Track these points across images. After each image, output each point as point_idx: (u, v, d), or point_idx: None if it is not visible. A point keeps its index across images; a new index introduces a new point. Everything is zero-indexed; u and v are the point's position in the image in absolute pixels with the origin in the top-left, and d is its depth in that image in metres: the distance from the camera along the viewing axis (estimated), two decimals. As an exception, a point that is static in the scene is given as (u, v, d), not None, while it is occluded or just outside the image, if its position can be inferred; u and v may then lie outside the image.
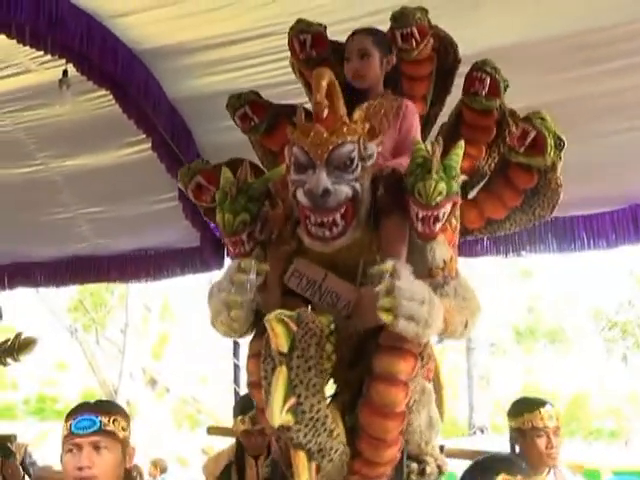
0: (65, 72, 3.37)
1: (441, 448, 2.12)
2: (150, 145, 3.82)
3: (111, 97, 3.58)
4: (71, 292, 10.98)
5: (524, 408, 2.90)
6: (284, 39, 3.19)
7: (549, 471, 2.87)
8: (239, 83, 3.41)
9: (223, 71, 3.47)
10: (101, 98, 3.73)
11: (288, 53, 3.24)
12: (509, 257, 3.70)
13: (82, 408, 1.90)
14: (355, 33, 2.17)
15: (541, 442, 2.83)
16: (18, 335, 3.64)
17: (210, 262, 4.37)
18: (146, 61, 3.46)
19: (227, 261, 4.37)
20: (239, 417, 3.01)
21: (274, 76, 3.33)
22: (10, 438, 3.73)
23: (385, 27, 2.65)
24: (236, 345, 4.46)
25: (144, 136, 3.80)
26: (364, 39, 2.13)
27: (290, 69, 3.28)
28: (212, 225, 4.19)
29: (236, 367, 4.50)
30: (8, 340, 3.63)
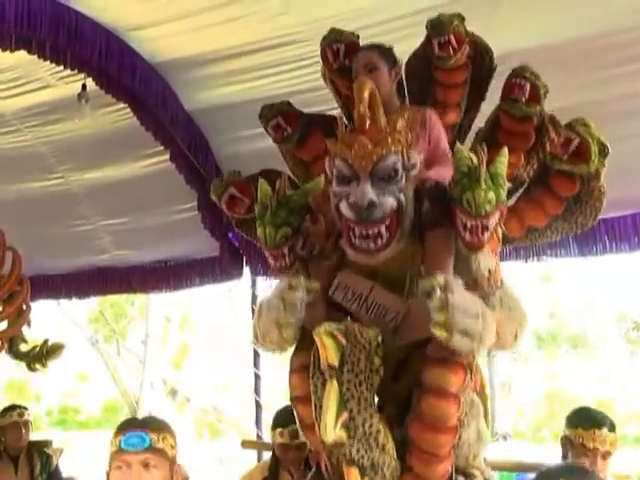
0: (84, 86, 3.41)
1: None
2: (168, 156, 3.85)
3: (129, 110, 3.62)
4: (92, 303, 11.06)
5: (582, 422, 2.73)
6: (298, 49, 3.23)
7: None
8: (255, 93, 3.44)
9: (239, 81, 3.50)
10: (119, 111, 3.78)
11: (304, 62, 3.29)
12: (529, 262, 3.67)
13: (131, 424, 1.88)
14: (359, 50, 2.16)
15: (586, 461, 2.69)
16: (45, 341, 3.70)
17: (229, 271, 4.37)
18: (163, 73, 3.50)
19: (246, 270, 4.38)
20: (278, 429, 2.96)
21: (289, 85, 3.35)
22: (47, 443, 3.79)
23: (401, 33, 2.66)
24: (256, 354, 4.45)
25: (162, 148, 3.83)
26: (369, 53, 2.12)
27: (305, 78, 3.32)
28: (231, 235, 4.21)
29: (257, 376, 4.49)
30: (36, 346, 3.69)
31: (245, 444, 3.80)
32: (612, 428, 2.71)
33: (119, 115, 3.81)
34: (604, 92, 2.92)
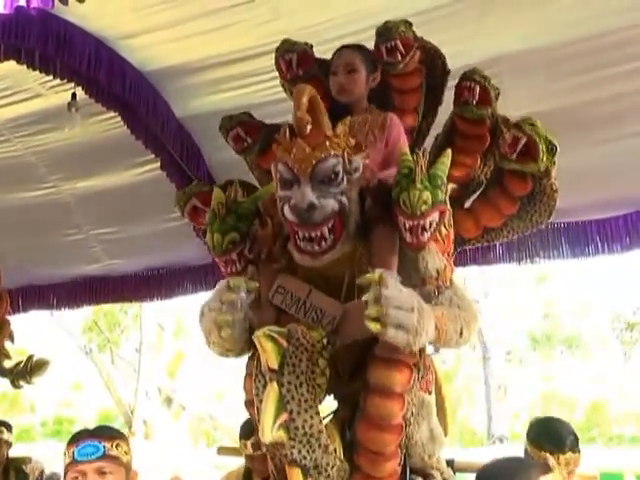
0: (74, 95, 3.40)
1: (450, 463, 2.08)
2: (159, 165, 3.84)
3: (120, 118, 3.61)
4: (85, 312, 11.02)
5: (545, 443, 2.55)
6: (289, 55, 3.23)
7: None
8: (246, 100, 3.43)
9: (230, 89, 3.50)
10: (110, 120, 3.77)
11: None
12: (522, 264, 3.68)
13: (83, 434, 1.90)
14: (342, 48, 2.18)
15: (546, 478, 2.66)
16: (30, 357, 3.64)
17: (222, 278, 4.35)
18: (153, 81, 3.49)
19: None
20: (242, 441, 2.98)
21: (280, 92, 3.32)
22: (25, 460, 3.72)
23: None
24: (251, 361, 4.43)
25: (153, 156, 3.82)
26: (352, 54, 2.15)
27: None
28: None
29: (252, 383, 4.47)
30: (20, 362, 3.63)
31: (221, 451, 3.79)
32: (576, 445, 2.56)
33: (110, 124, 3.80)
34: (592, 94, 2.94)
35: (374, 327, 1.53)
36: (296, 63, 2.25)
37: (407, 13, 2.82)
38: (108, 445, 1.83)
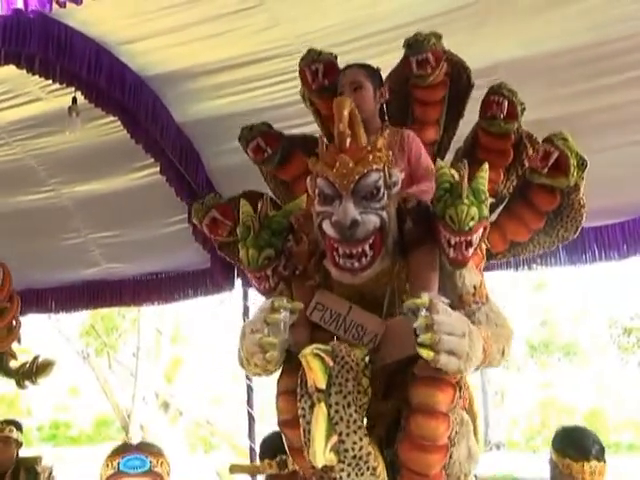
0: (74, 99, 3.42)
1: (475, 477, 2.05)
2: (159, 169, 3.85)
3: (119, 123, 3.62)
4: (83, 317, 11.00)
5: (570, 451, 2.51)
6: (288, 61, 3.25)
7: None
8: (245, 105, 3.45)
9: (229, 94, 3.51)
10: (110, 124, 3.78)
11: (292, 75, 3.30)
12: (520, 271, 3.68)
13: (129, 448, 1.90)
14: (347, 68, 2.16)
15: None
16: (35, 358, 3.66)
17: (221, 283, 4.36)
18: (153, 86, 3.51)
19: (238, 282, 4.37)
20: (266, 460, 2.93)
21: (279, 97, 3.36)
22: (36, 460, 3.74)
23: (385, 47, 2.67)
24: (249, 367, 4.43)
25: (153, 160, 3.83)
26: (356, 72, 2.12)
27: (294, 90, 3.32)
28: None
29: (249, 388, 4.47)
30: (26, 363, 3.65)
31: (234, 469, 3.75)
32: (601, 455, 2.54)
33: (110, 128, 3.81)
34: (589, 103, 2.95)
35: (427, 354, 1.50)
36: (322, 73, 2.21)
37: (405, 21, 2.85)
38: (154, 461, 1.83)
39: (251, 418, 4.40)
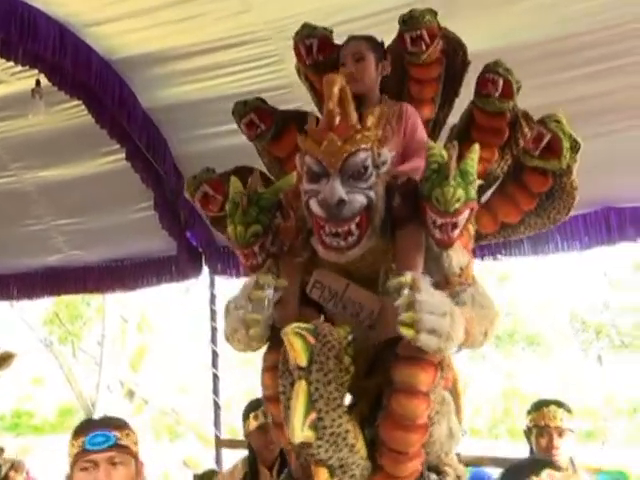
0: (38, 82, 3.34)
1: (458, 456, 2.08)
2: (124, 155, 3.80)
3: (84, 107, 3.56)
4: (46, 304, 10.83)
5: (532, 407, 2.92)
6: (259, 48, 3.23)
7: (575, 470, 2.82)
8: (215, 92, 3.42)
9: (198, 80, 3.47)
10: (75, 108, 3.71)
11: (264, 61, 3.28)
12: (485, 261, 3.73)
13: (92, 424, 1.86)
14: (350, 39, 2.14)
15: (543, 441, 2.80)
16: None
17: (187, 270, 4.34)
18: (120, 71, 3.45)
19: (205, 269, 4.35)
20: (252, 414, 2.91)
21: (249, 84, 3.34)
22: None
23: (361, 33, 2.66)
24: (215, 355, 4.43)
25: (119, 146, 3.78)
26: (359, 43, 2.10)
27: (265, 77, 3.32)
28: (189, 234, 4.18)
29: (215, 377, 4.46)
30: None
31: (222, 443, 3.74)
32: (561, 405, 2.86)
33: (74, 112, 3.75)
34: (555, 95, 2.98)
35: (407, 332, 1.50)
36: (317, 48, 2.18)
37: (375, 10, 2.85)
38: (119, 434, 1.80)
39: (217, 407, 4.40)
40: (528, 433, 2.92)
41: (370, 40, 2.13)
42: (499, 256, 3.69)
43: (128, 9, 3.06)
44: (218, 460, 4.27)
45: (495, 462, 3.57)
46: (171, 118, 3.72)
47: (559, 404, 2.88)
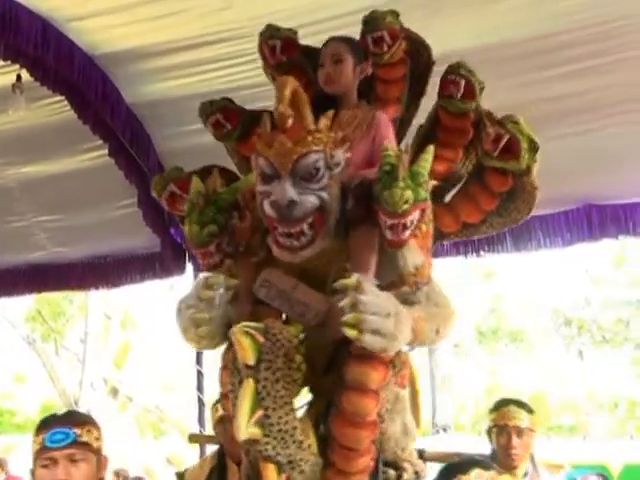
0: (19, 77, 3.31)
1: (421, 453, 2.11)
2: (107, 151, 3.77)
3: (67, 102, 3.53)
4: (28, 302, 10.74)
5: (493, 407, 2.96)
6: (241, 44, 3.22)
7: (525, 474, 2.86)
8: (198, 88, 3.40)
9: (182, 76, 3.46)
10: (57, 103, 3.67)
11: (246, 58, 3.28)
12: (469, 257, 3.77)
13: (53, 421, 1.85)
14: (329, 40, 2.15)
15: (502, 440, 2.84)
16: None
17: (171, 267, 4.33)
18: (103, 66, 3.42)
19: (189, 266, 4.34)
20: (217, 405, 2.97)
21: (232, 81, 3.33)
22: None
23: (343, 31, 2.67)
24: (199, 353, 4.42)
25: (102, 142, 3.75)
26: (338, 45, 2.11)
27: (248, 74, 3.31)
28: (173, 230, 4.17)
29: (199, 374, 4.45)
30: None
31: (192, 438, 3.76)
32: (522, 406, 2.89)
33: (56, 108, 3.70)
34: (536, 94, 3.02)
35: (350, 333, 1.52)
36: (280, 49, 2.19)
37: (359, 7, 2.85)
38: (79, 431, 1.79)
39: (201, 404, 4.39)
40: (489, 432, 2.95)
41: (350, 42, 2.14)
42: (482, 253, 3.72)
43: (111, 4, 3.04)
44: (202, 457, 4.26)
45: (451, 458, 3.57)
46: (155, 114, 3.70)
47: (520, 404, 2.92)
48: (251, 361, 1.59)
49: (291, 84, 1.69)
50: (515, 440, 2.81)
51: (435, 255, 3.96)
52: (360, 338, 1.52)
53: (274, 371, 1.60)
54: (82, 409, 10.71)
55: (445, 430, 10.87)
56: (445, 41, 2.74)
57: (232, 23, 3.10)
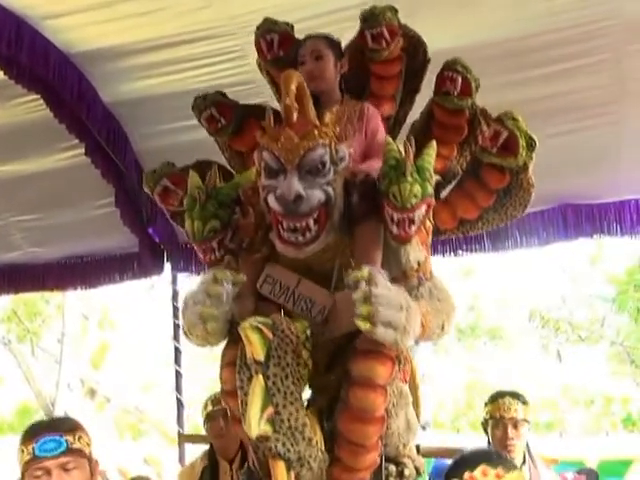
0: (-7, 75, 3.26)
1: (417, 448, 2.12)
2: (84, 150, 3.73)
3: (42, 101, 3.48)
4: (4, 302, 10.59)
5: (489, 399, 2.99)
6: (220, 42, 3.21)
7: (524, 462, 2.91)
8: (176, 87, 3.39)
9: (160, 74, 3.43)
10: (33, 102, 3.63)
11: (226, 57, 3.26)
12: (446, 257, 3.79)
13: (41, 428, 1.80)
14: (307, 38, 2.15)
15: (498, 433, 2.88)
16: None
17: (149, 267, 4.30)
18: (79, 64, 3.38)
19: (167, 266, 4.32)
20: (209, 400, 2.98)
21: (211, 79, 3.31)
22: None
23: (322, 31, 2.68)
24: (177, 352, 4.40)
25: (78, 141, 3.71)
26: (317, 42, 2.11)
27: (227, 72, 3.30)
28: (151, 230, 4.14)
29: (178, 374, 4.43)
30: None
31: (182, 438, 3.74)
32: (517, 398, 2.93)
33: (32, 106, 3.66)
34: (514, 94, 3.04)
35: (363, 325, 1.52)
36: (277, 43, 2.17)
37: (339, 6, 2.86)
38: (70, 438, 1.75)
39: (180, 404, 4.37)
40: (485, 425, 2.99)
41: (328, 39, 2.14)
42: (460, 252, 3.74)
43: (87, 1, 3.01)
44: (181, 457, 4.24)
45: (437, 453, 3.61)
46: (132, 113, 3.67)
47: (515, 395, 2.96)
48: (261, 357, 1.58)
49: (296, 78, 1.68)
50: (511, 431, 2.86)
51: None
52: (373, 331, 1.52)
53: (283, 367, 1.59)
54: (59, 410, 10.59)
55: (424, 428, 10.94)
56: (426, 41, 2.76)
57: (211, 21, 3.09)
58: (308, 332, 1.67)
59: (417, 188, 1.65)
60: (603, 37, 3.02)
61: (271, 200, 1.65)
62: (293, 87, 1.65)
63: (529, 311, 13.94)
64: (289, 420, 1.58)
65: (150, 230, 4.12)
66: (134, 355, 11.79)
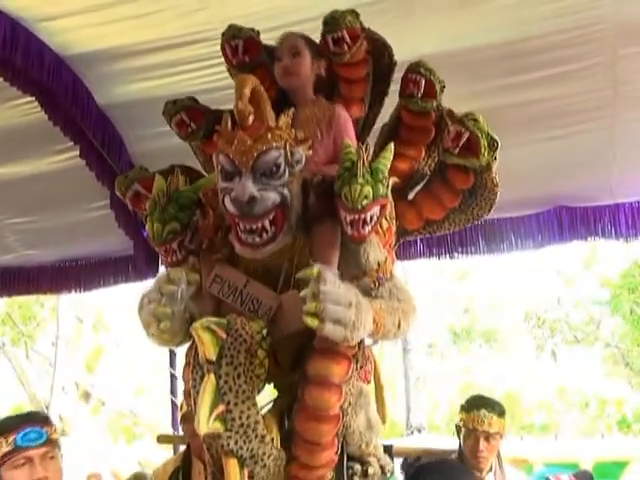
0: (-12, 77, 3.26)
1: (389, 448, 2.13)
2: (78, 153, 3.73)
3: (37, 103, 3.48)
4: (-2, 305, 10.57)
5: (465, 407, 2.93)
6: (216, 45, 3.17)
7: (491, 469, 2.89)
8: (172, 89, 3.37)
9: (155, 77, 3.43)
10: (27, 104, 3.62)
11: (220, 60, 3.26)
12: (442, 259, 3.80)
13: (21, 421, 1.90)
14: (286, 35, 2.17)
15: (470, 443, 2.85)
16: None
17: (144, 270, 4.29)
18: (74, 67, 3.38)
19: (162, 269, 4.31)
20: (181, 403, 3.00)
21: (205, 82, 3.31)
22: None
23: (317, 34, 2.69)
24: (172, 355, 4.39)
25: (73, 143, 3.71)
26: (295, 39, 2.13)
27: (221, 75, 3.30)
28: (145, 233, 4.13)
29: (173, 377, 4.43)
30: None
31: (161, 439, 3.74)
32: (493, 410, 2.87)
33: (26, 109, 3.65)
34: (506, 99, 3.06)
35: (312, 322, 1.53)
36: (242, 49, 2.20)
37: (330, 10, 2.86)
38: (49, 430, 1.87)
39: (174, 407, 4.36)
40: (458, 430, 2.95)
41: (306, 38, 2.16)
42: (455, 255, 3.75)
43: (83, 4, 3.01)
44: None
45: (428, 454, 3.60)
46: (128, 115, 3.67)
47: (491, 407, 2.88)
48: (212, 356, 1.60)
49: (250, 82, 1.71)
50: (483, 444, 2.81)
51: (409, 257, 4.02)
52: (321, 327, 1.53)
53: (236, 366, 1.61)
54: (53, 413, 10.56)
55: (420, 431, 10.93)
56: (414, 45, 2.77)
57: (206, 24, 3.09)
58: (264, 332, 1.69)
59: (368, 189, 1.67)
60: (596, 41, 3.04)
61: (227, 202, 1.68)
62: (246, 91, 1.68)
63: (524, 312, 13.96)
64: (241, 418, 1.60)
65: (145, 233, 4.11)
66: (128, 358, 11.76)
